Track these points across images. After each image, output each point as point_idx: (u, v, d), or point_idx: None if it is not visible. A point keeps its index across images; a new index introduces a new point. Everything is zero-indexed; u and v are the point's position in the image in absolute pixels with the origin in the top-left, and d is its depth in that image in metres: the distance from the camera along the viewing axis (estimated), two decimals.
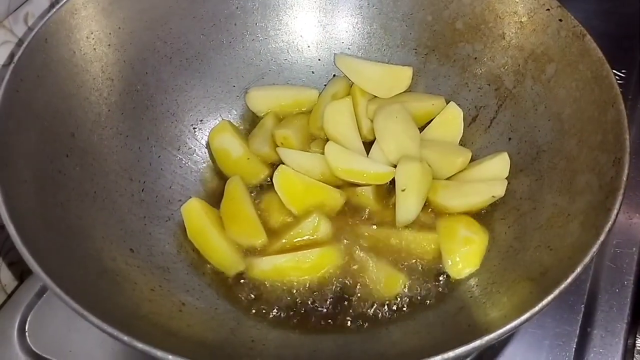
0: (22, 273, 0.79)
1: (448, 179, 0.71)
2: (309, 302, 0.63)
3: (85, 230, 0.59)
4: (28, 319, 0.70)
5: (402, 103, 0.74)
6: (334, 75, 0.81)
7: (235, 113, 0.79)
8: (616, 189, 0.53)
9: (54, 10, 0.63)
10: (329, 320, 0.62)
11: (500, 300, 0.57)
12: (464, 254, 0.64)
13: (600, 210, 0.53)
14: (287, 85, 0.81)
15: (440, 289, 0.63)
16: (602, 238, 0.50)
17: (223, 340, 0.58)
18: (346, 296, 0.63)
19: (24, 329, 0.69)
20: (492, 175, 0.68)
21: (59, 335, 0.68)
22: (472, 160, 0.72)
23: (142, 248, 0.63)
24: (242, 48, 0.78)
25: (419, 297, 0.63)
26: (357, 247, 0.66)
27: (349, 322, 0.62)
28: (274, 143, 0.75)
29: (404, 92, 0.78)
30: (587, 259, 0.49)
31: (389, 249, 0.66)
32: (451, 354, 0.44)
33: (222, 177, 0.74)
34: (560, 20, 0.66)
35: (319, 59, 0.81)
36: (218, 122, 0.76)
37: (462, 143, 0.74)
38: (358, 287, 0.64)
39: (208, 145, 0.75)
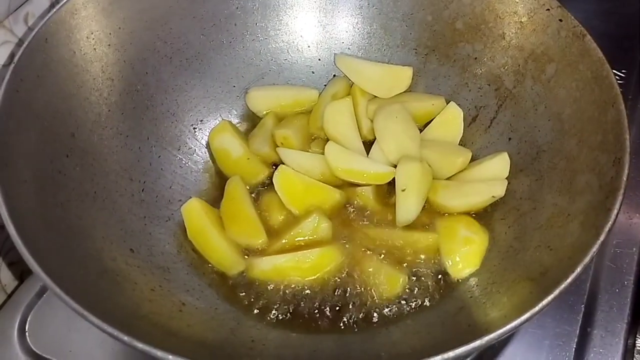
0: (22, 273, 0.79)
1: (448, 179, 0.71)
2: (309, 302, 0.63)
3: (85, 230, 0.59)
4: (28, 319, 0.70)
5: (402, 103, 0.74)
6: (334, 75, 0.81)
7: (236, 113, 0.79)
8: (616, 189, 0.53)
9: (54, 10, 0.63)
10: (329, 320, 0.62)
11: (500, 300, 0.57)
12: (464, 254, 0.64)
13: (600, 210, 0.53)
14: (287, 85, 0.81)
15: (440, 289, 0.63)
16: (602, 238, 0.50)
17: (223, 340, 0.58)
18: (346, 296, 0.63)
19: (24, 329, 0.69)
20: (492, 175, 0.68)
21: (59, 335, 0.68)
22: (472, 160, 0.72)
23: (142, 248, 0.63)
24: (242, 48, 0.78)
25: (419, 297, 0.63)
26: (357, 247, 0.66)
27: (349, 322, 0.62)
28: (274, 143, 0.75)
29: (404, 92, 0.78)
30: (587, 259, 0.49)
31: (389, 249, 0.66)
32: (451, 354, 0.44)
33: (222, 177, 0.74)
34: (561, 20, 0.66)
35: (319, 59, 0.81)
36: (218, 122, 0.76)
37: (462, 143, 0.74)
38: (358, 287, 0.64)
39: (208, 145, 0.75)
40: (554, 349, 0.65)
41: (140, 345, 0.45)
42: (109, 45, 0.68)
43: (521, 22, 0.70)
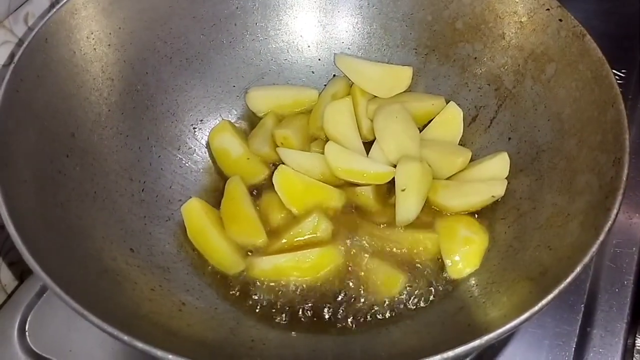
0: (22, 273, 0.79)
1: (448, 178, 0.71)
2: (309, 302, 0.63)
3: (85, 230, 0.59)
4: (28, 319, 0.70)
5: (402, 103, 0.74)
6: (334, 75, 0.81)
7: (235, 113, 0.79)
8: (616, 188, 0.53)
9: (54, 10, 0.63)
10: (329, 320, 0.62)
11: (500, 299, 0.57)
12: (464, 254, 0.64)
13: (600, 210, 0.53)
14: (287, 85, 0.81)
15: (440, 289, 0.63)
16: (601, 238, 0.50)
17: (223, 339, 0.58)
18: (346, 296, 0.63)
19: (24, 328, 0.69)
20: (492, 175, 0.69)
21: (59, 335, 0.68)
22: (472, 160, 0.72)
23: (142, 248, 0.63)
24: (242, 48, 0.78)
25: (418, 297, 0.63)
26: (357, 246, 0.66)
27: (349, 322, 0.62)
28: (274, 143, 0.75)
29: (404, 92, 0.78)
30: (586, 259, 0.49)
31: (389, 249, 0.66)
32: (451, 353, 0.44)
33: (222, 177, 0.74)
34: (560, 20, 0.66)
35: (319, 59, 0.81)
36: (218, 122, 0.76)
37: (462, 143, 0.74)
38: (358, 286, 0.64)
39: (208, 145, 0.76)
40: (553, 349, 0.65)
41: (140, 344, 0.45)
42: (109, 45, 0.68)
43: (521, 22, 0.70)
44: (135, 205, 0.66)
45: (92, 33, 0.66)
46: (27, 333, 0.69)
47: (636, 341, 0.68)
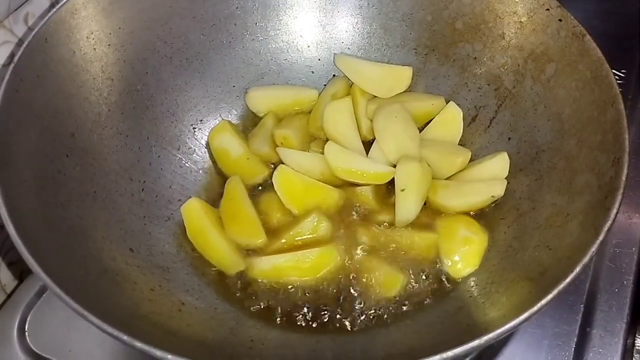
0: (21, 273, 0.79)
1: (448, 178, 0.71)
2: (308, 302, 0.63)
3: (85, 230, 0.59)
4: (28, 319, 0.70)
5: (401, 103, 0.74)
6: (334, 75, 0.81)
7: (235, 113, 0.79)
8: (615, 188, 0.53)
9: (54, 10, 0.63)
10: (329, 320, 0.62)
11: (499, 300, 0.57)
12: (464, 254, 0.64)
13: (600, 210, 0.53)
14: (287, 85, 0.81)
15: (440, 289, 0.63)
16: (601, 238, 0.50)
17: (222, 339, 0.58)
18: (345, 296, 0.64)
19: (24, 328, 0.69)
20: (492, 175, 0.69)
21: (59, 334, 0.68)
22: (471, 160, 0.72)
23: (142, 248, 0.63)
24: (242, 48, 0.78)
25: (418, 297, 0.63)
26: (357, 246, 0.66)
27: (348, 322, 0.62)
28: (274, 143, 0.75)
29: (403, 92, 0.78)
30: (586, 259, 0.49)
31: (389, 249, 0.66)
32: (450, 353, 0.44)
33: (221, 177, 0.74)
34: (560, 20, 0.66)
35: (319, 59, 0.81)
36: (218, 122, 0.76)
37: (462, 143, 0.74)
38: (357, 286, 0.64)
39: (208, 145, 0.76)
40: (553, 349, 0.65)
41: (139, 344, 0.45)
42: (109, 45, 0.68)
43: (521, 22, 0.70)
44: (135, 205, 0.66)
45: (92, 33, 0.67)
46: (26, 333, 0.69)
47: (636, 341, 0.68)
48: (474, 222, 0.67)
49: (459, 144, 0.74)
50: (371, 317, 0.62)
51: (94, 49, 0.67)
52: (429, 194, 0.69)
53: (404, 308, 0.62)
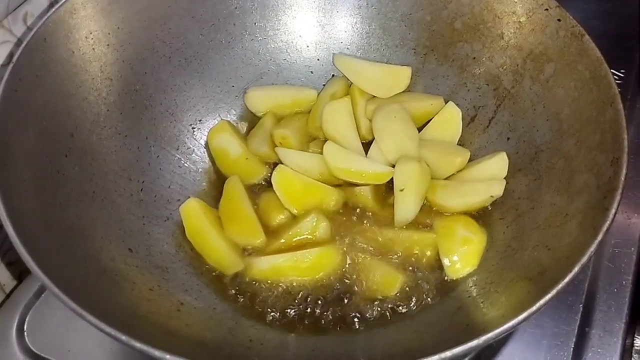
0: (20, 273, 0.79)
1: (447, 178, 0.71)
2: (308, 302, 0.63)
3: (84, 230, 0.59)
4: (27, 319, 0.70)
5: (400, 103, 0.74)
6: (333, 75, 0.81)
7: (234, 113, 0.79)
8: (614, 188, 0.53)
9: (53, 10, 0.63)
10: (327, 320, 0.62)
11: (498, 299, 0.57)
12: (462, 254, 0.64)
13: (598, 210, 0.53)
14: (286, 85, 0.81)
15: (438, 289, 0.63)
16: (600, 238, 0.50)
17: (221, 339, 0.58)
18: (344, 296, 0.64)
19: (23, 328, 0.69)
20: (491, 175, 0.69)
21: (58, 335, 0.68)
22: (470, 160, 0.72)
23: (140, 248, 0.63)
24: (241, 48, 0.78)
25: (417, 297, 0.63)
26: (356, 246, 0.66)
27: (347, 322, 0.62)
28: (273, 143, 0.75)
29: (402, 92, 0.78)
30: (585, 259, 0.49)
31: (388, 249, 0.66)
32: (449, 353, 0.44)
33: (220, 177, 0.74)
34: (559, 20, 0.66)
35: (318, 59, 0.81)
36: (217, 121, 0.76)
37: (461, 143, 0.74)
38: (356, 286, 0.64)
39: (207, 145, 0.76)
40: (552, 349, 0.65)
41: (138, 344, 0.45)
42: (108, 45, 0.68)
43: (520, 22, 0.70)
44: (134, 205, 0.66)
45: (90, 33, 0.66)
46: (25, 333, 0.68)
47: (635, 341, 0.68)
48: (472, 222, 0.67)
49: (458, 144, 0.74)
50: (370, 317, 0.62)
51: (93, 48, 0.67)
52: (428, 194, 0.69)
53: (403, 308, 0.62)
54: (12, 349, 0.67)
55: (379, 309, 0.62)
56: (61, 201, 0.58)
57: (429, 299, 0.63)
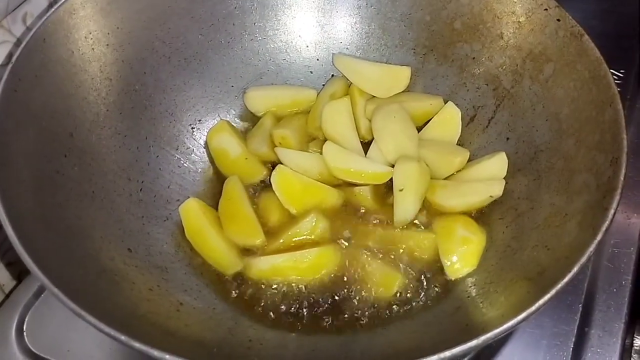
0: (20, 273, 0.79)
1: (446, 178, 0.71)
2: (307, 302, 0.63)
3: (83, 230, 0.59)
4: (26, 319, 0.70)
5: (400, 103, 0.74)
6: (333, 75, 0.81)
7: (234, 113, 0.79)
8: (613, 188, 0.53)
9: (53, 10, 0.63)
10: (327, 320, 0.62)
11: (498, 299, 0.57)
12: (462, 254, 0.64)
13: (598, 209, 0.53)
14: (286, 85, 0.81)
15: (438, 289, 0.63)
16: (599, 238, 0.50)
17: (221, 340, 0.58)
18: (344, 296, 0.63)
19: (22, 329, 0.69)
20: (490, 175, 0.69)
21: (57, 335, 0.68)
22: (470, 160, 0.72)
23: (140, 248, 0.63)
24: (241, 48, 0.78)
25: (416, 297, 0.63)
26: (355, 247, 0.66)
27: (346, 322, 0.62)
28: (272, 143, 0.75)
29: (402, 92, 0.78)
30: (584, 259, 0.49)
31: (387, 249, 0.66)
32: (448, 353, 0.44)
33: (220, 177, 0.74)
34: (558, 20, 0.66)
35: (318, 59, 0.81)
36: (216, 121, 0.76)
37: (460, 143, 0.74)
38: (356, 286, 0.64)
39: (206, 145, 0.76)
40: (551, 349, 0.65)
41: (137, 345, 0.45)
42: (107, 45, 0.68)
43: (519, 22, 0.70)
44: (134, 205, 0.66)
45: (90, 33, 0.66)
46: (25, 333, 0.68)
47: (634, 341, 0.68)
48: (472, 222, 0.67)
49: (457, 144, 0.74)
50: (369, 317, 0.62)
51: (92, 48, 0.67)
52: (427, 194, 0.69)
53: (402, 308, 0.62)
54: (12, 349, 0.67)
55: (378, 309, 0.62)
56: (60, 201, 0.58)
57: (428, 299, 0.63)
